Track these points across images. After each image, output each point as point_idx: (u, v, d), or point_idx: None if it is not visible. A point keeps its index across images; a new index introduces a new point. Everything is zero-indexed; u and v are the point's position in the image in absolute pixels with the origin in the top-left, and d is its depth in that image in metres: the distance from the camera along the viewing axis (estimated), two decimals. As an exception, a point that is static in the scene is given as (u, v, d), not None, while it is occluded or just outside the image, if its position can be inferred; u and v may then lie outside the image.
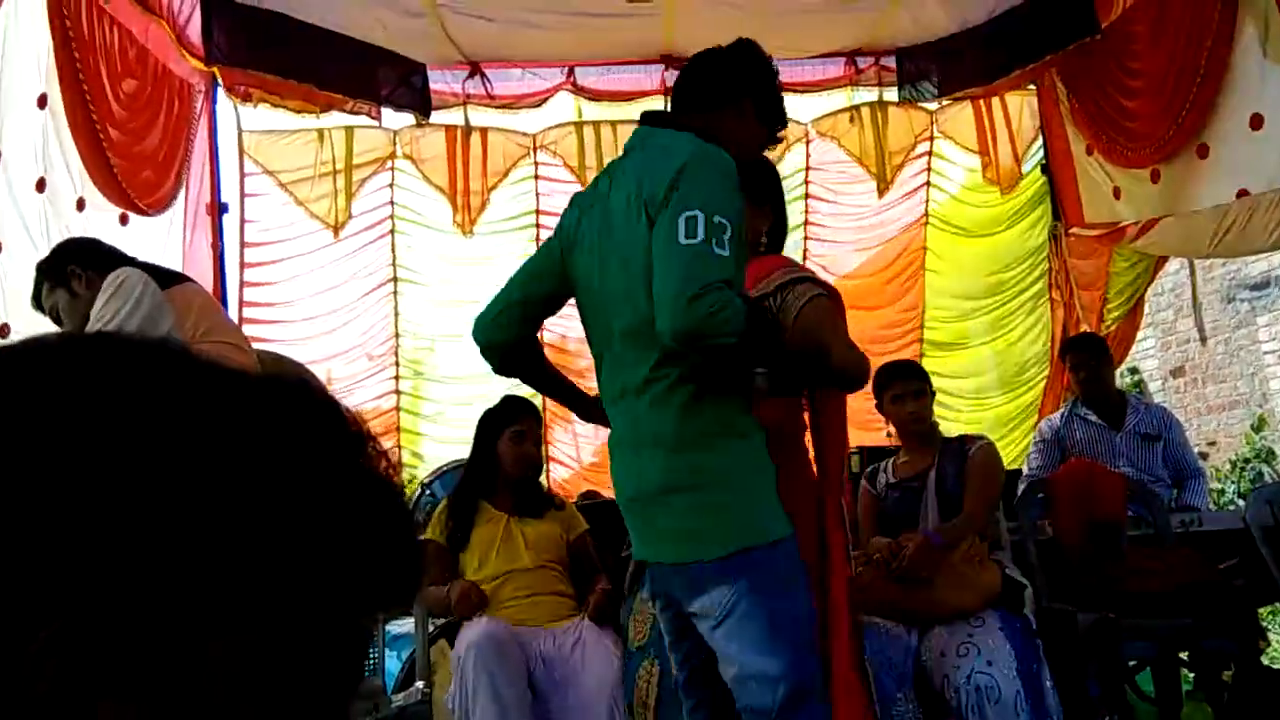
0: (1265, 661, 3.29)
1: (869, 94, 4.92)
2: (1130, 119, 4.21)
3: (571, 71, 4.68)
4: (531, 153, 4.70)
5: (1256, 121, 3.57)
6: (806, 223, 4.97)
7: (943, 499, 2.93)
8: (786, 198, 4.81)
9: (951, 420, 4.46)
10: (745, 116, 1.94)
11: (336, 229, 4.33)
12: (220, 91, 4.05)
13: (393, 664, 2.93)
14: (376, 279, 4.46)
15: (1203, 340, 5.33)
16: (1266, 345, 6.82)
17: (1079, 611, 2.93)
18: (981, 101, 4.91)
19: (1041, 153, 4.97)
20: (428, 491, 3.38)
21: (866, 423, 3.78)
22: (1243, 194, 3.65)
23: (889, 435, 3.42)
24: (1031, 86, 4.89)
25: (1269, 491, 3.31)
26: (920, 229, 5.04)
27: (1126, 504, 3.24)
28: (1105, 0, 4.28)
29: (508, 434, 2.99)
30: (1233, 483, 6.88)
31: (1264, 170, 3.56)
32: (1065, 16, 4.37)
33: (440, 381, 4.53)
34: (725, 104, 1.93)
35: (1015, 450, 4.94)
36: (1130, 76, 4.18)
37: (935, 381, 4.95)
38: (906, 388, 3.04)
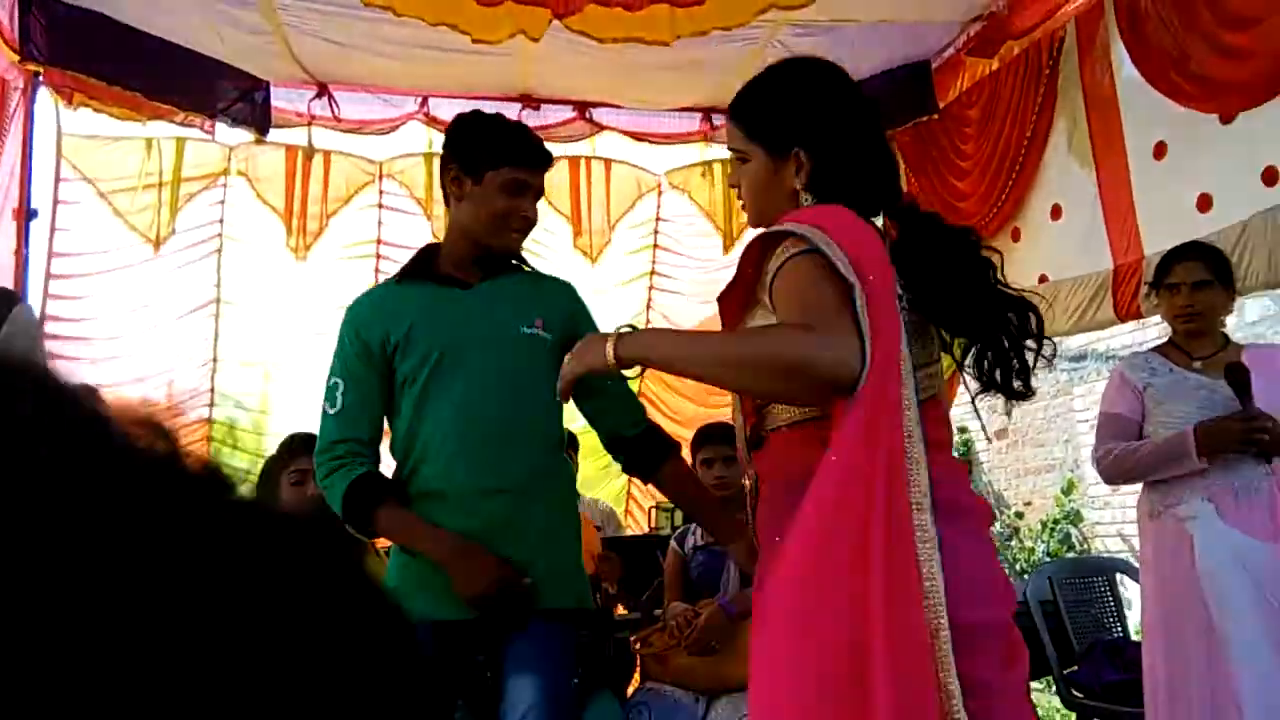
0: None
1: (722, 151, 5.01)
2: (959, 199, 4.42)
3: (425, 101, 4.61)
4: (377, 180, 4.59)
5: (1057, 212, 3.82)
6: (653, 272, 5.02)
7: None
8: (636, 246, 4.99)
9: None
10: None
11: (157, 243, 4.12)
12: (42, 90, 3.81)
13: None
14: (197, 299, 4.26)
15: (1008, 413, 5.60)
16: (1080, 414, 7.27)
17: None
18: (828, 167, 5.07)
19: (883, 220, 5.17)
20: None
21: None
22: (1043, 279, 3.88)
23: (703, 495, 3.46)
24: (875, 157, 5.09)
25: (1050, 568, 3.50)
26: (764, 285, 5.15)
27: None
28: (944, 83, 4.51)
29: (284, 478, 2.65)
30: (1043, 542, 7.29)
31: (1061, 259, 3.80)
32: (907, 95, 4.56)
33: (264, 413, 4.35)
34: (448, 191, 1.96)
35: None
36: (960, 158, 4.39)
37: (768, 435, 5.12)
38: (716, 453, 3.08)
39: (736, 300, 1.50)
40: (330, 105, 4.42)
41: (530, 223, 1.94)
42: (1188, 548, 2.49)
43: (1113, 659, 3.18)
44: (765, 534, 1.45)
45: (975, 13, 4.13)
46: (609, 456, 5.14)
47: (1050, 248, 3.85)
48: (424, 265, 1.97)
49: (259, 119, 4.26)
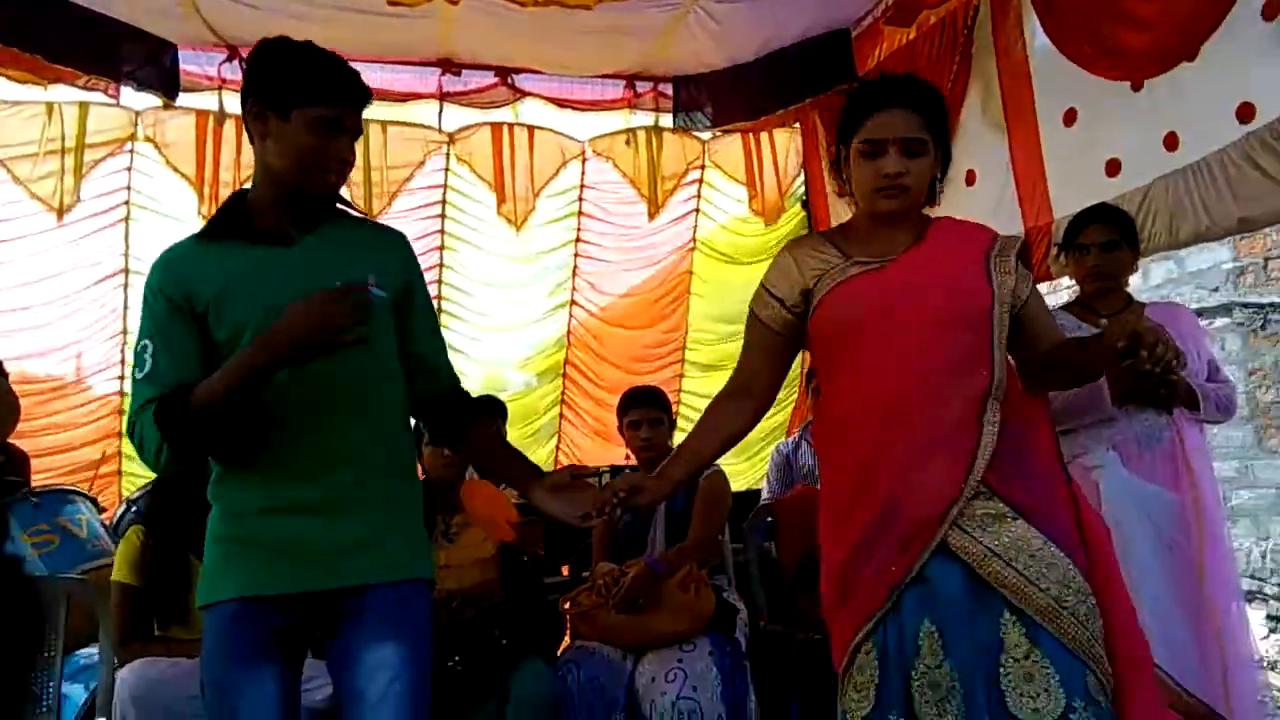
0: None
1: (646, 118, 5.01)
2: (878, 165, 4.49)
3: (341, 65, 4.50)
4: (292, 146, 4.47)
5: (971, 178, 3.92)
6: (578, 239, 5.01)
7: (671, 524, 3.01)
8: (560, 214, 4.97)
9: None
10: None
11: (61, 212, 3.96)
12: (-68, 52, 3.62)
13: (80, 694, 2.69)
14: (104, 269, 4.10)
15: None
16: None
17: (793, 633, 3.08)
18: (750, 135, 5.11)
19: (803, 188, 5.24)
20: (132, 509, 3.10)
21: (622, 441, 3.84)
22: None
23: (627, 457, 3.49)
24: (796, 125, 5.15)
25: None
26: (688, 253, 5.18)
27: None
28: (863, 50, 4.57)
29: None
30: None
31: (975, 221, 3.88)
32: (827, 62, 4.61)
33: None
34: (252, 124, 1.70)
35: (761, 470, 5.18)
36: (879, 125, 4.46)
37: (694, 401, 5.18)
38: (643, 415, 3.11)
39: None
40: (241, 68, 4.26)
41: (348, 165, 1.71)
42: (1094, 496, 2.59)
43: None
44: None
45: (893, -18, 4.19)
46: (536, 422, 5.12)
47: (965, 212, 3.90)
48: (234, 218, 1.70)
49: (166, 83, 4.11)
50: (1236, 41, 2.60)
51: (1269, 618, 5.15)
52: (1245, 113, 2.58)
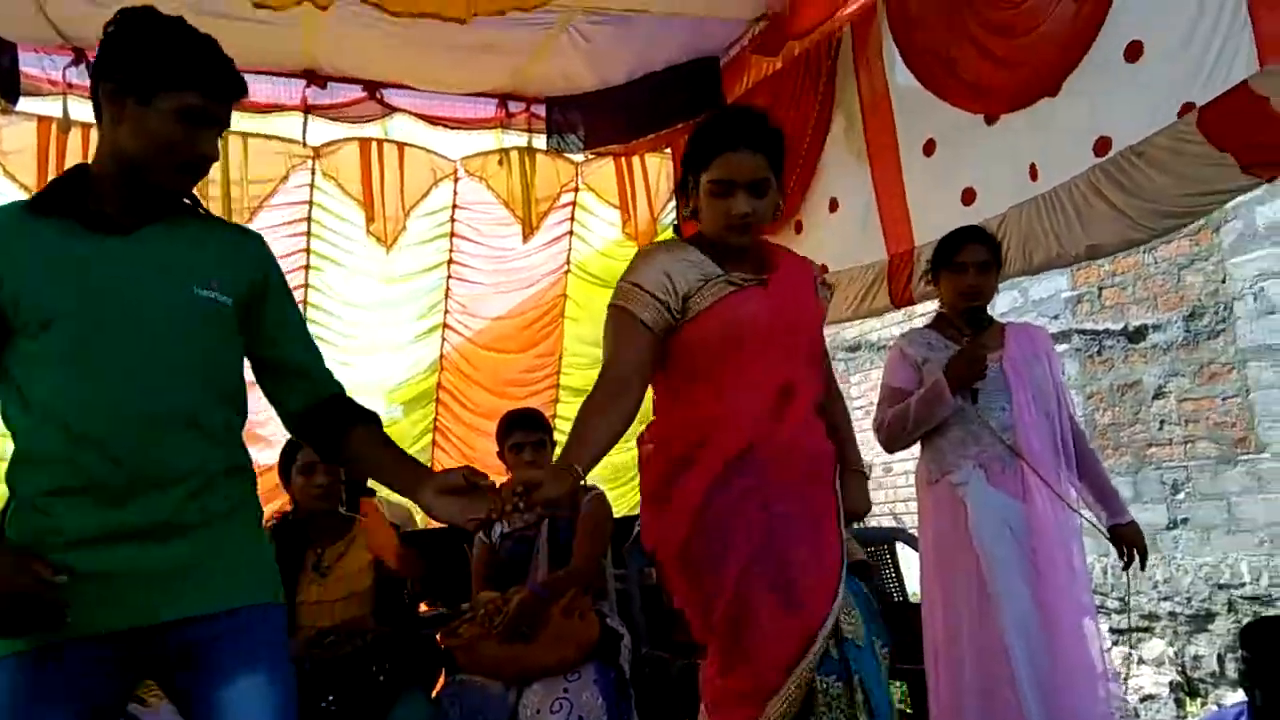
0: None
1: (519, 138, 4.97)
2: (747, 191, 4.59)
3: (198, 74, 4.30)
4: (142, 155, 4.22)
5: (834, 205, 4.06)
6: (451, 261, 4.91)
7: (554, 550, 2.97)
8: (432, 234, 4.85)
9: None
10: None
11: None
12: None
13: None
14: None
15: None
16: (857, 401, 7.77)
17: (673, 659, 3.08)
18: (623, 159, 5.14)
19: (674, 213, 5.30)
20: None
21: (499, 468, 3.76)
22: (824, 269, 4.11)
23: (508, 483, 3.42)
24: (668, 150, 5.22)
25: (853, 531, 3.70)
26: (562, 276, 5.16)
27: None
28: (732, 78, 4.68)
29: (294, 470, 2.79)
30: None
31: (838, 249, 4.03)
32: (696, 88, 4.70)
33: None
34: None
35: (638, 496, 5.18)
36: (748, 152, 4.57)
37: (569, 427, 5.14)
38: (526, 437, 3.06)
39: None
40: (87, 72, 4.01)
41: (209, 161, 1.56)
42: (961, 510, 2.69)
43: (894, 621, 3.40)
44: None
45: (759, 12, 4.31)
46: (407, 450, 4.99)
47: (829, 239, 4.07)
48: (69, 194, 1.52)
49: (5, 86, 3.82)
50: (1095, 77, 2.78)
51: (1112, 630, 5.49)
52: (1102, 147, 2.76)
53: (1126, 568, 2.81)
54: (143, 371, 1.47)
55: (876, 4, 3.74)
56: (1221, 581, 5.48)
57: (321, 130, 4.55)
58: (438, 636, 2.91)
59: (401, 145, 4.71)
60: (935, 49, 3.35)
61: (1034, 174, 3.00)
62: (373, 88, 4.57)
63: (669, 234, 5.28)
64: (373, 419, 1.74)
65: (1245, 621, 5.07)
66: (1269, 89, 2.29)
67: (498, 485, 1.59)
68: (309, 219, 4.57)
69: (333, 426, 1.70)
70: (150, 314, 1.50)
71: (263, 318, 1.66)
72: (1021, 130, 3.02)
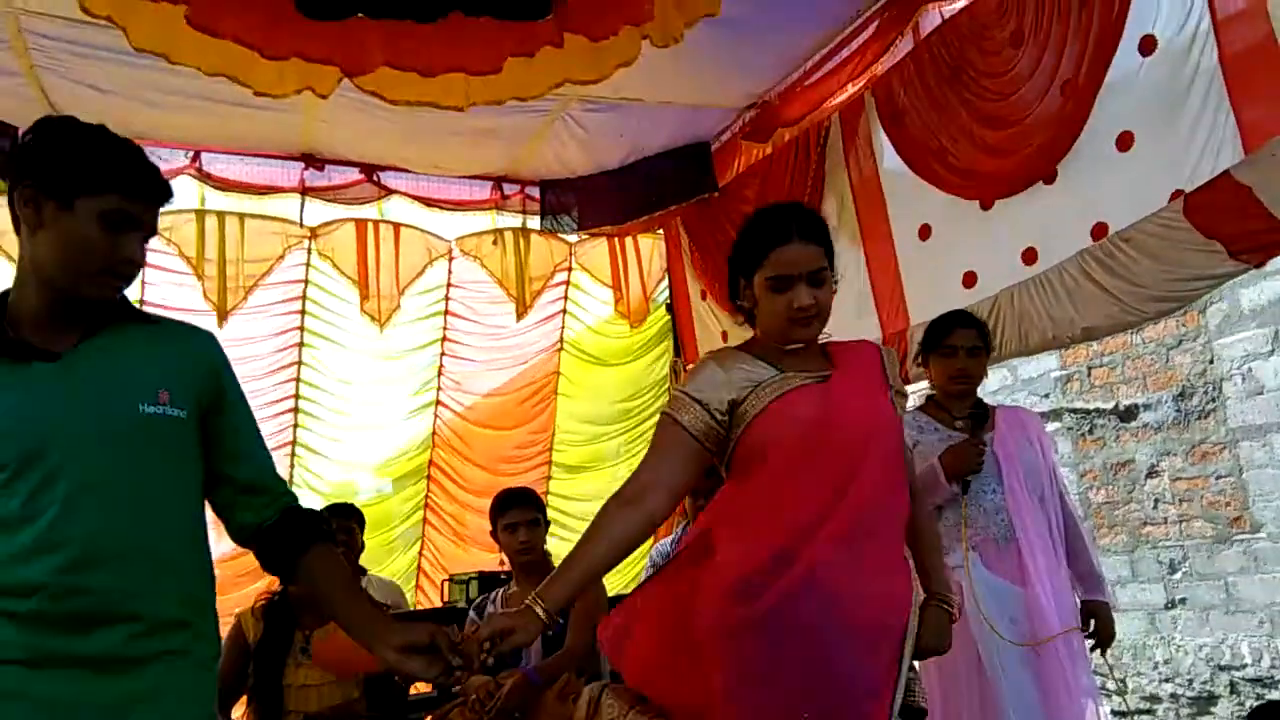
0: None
1: (513, 219, 5.05)
2: (739, 272, 4.65)
3: (198, 155, 4.37)
4: (143, 237, 4.25)
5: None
6: (444, 339, 4.94)
7: (546, 634, 2.91)
8: (426, 312, 4.89)
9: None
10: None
11: None
12: None
13: None
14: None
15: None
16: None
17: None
18: (616, 239, 5.22)
19: (667, 292, 5.36)
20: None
21: (490, 546, 3.72)
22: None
23: (502, 562, 3.39)
24: (660, 231, 5.30)
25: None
26: (555, 354, 5.19)
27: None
28: (723, 162, 4.78)
29: (499, 528, 2.88)
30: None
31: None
32: (689, 172, 4.80)
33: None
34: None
35: (635, 571, 5.12)
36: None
37: (562, 504, 5.11)
38: (521, 516, 3.04)
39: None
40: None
41: (135, 266, 1.46)
42: (957, 593, 2.66)
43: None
44: None
45: (749, 101, 4.43)
46: (396, 528, 4.94)
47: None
48: None
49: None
50: (1089, 165, 2.86)
51: (1114, 713, 5.39)
52: (1099, 231, 2.82)
53: (1093, 649, 2.78)
54: (92, 510, 1.36)
55: (865, 96, 3.84)
56: (1223, 663, 5.40)
57: (319, 211, 4.62)
58: (427, 721, 2.85)
59: (397, 225, 4.78)
60: (925, 139, 3.44)
61: (1031, 258, 3.06)
62: (370, 170, 4.65)
63: (661, 313, 5.33)
64: (328, 537, 1.66)
65: (1249, 704, 4.99)
66: (1250, 178, 2.35)
67: (465, 635, 1.55)
68: (304, 297, 4.61)
69: (289, 545, 1.60)
70: (91, 445, 1.38)
71: (220, 431, 1.56)
72: (1018, 216, 3.08)
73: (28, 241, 1.43)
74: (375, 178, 4.67)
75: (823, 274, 1.80)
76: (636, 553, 4.84)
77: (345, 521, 3.62)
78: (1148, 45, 2.73)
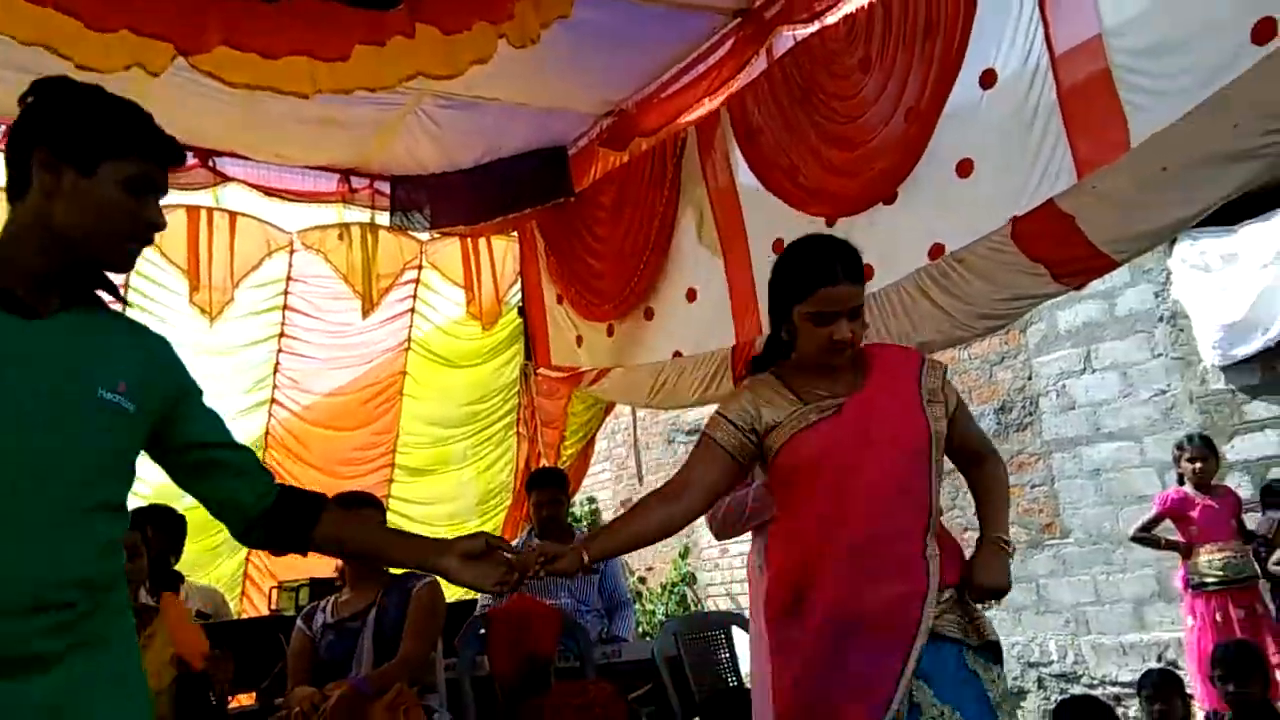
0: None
1: (362, 214, 4.87)
2: (595, 277, 4.65)
3: (9, 132, 4.02)
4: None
5: (692, 295, 4.16)
6: (282, 335, 4.72)
7: (380, 641, 2.82)
8: (262, 307, 4.66)
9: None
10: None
11: None
12: None
13: None
14: None
15: (639, 478, 5.97)
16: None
17: (507, 752, 2.96)
18: (469, 239, 5.12)
19: (520, 295, 5.30)
20: None
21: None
22: (677, 355, 4.19)
23: (338, 569, 3.26)
24: (514, 233, 5.23)
25: (675, 624, 3.69)
26: (402, 353, 5.05)
27: (559, 638, 3.39)
28: (580, 168, 4.76)
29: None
30: (663, 604, 7.74)
31: (693, 336, 4.13)
32: (545, 176, 4.76)
33: None
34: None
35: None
36: (596, 240, 4.64)
37: (405, 508, 4.98)
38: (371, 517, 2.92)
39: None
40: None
41: (157, 229, 1.47)
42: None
43: (731, 707, 3.39)
44: None
45: (607, 108, 4.44)
46: (220, 534, 4.69)
47: (686, 327, 4.18)
48: None
49: None
50: (930, 189, 3.00)
51: None
52: (935, 252, 2.95)
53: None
54: (45, 474, 1.31)
55: (721, 111, 3.91)
56: (1032, 660, 5.77)
57: (147, 195, 4.33)
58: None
59: (233, 214, 4.53)
60: (776, 157, 3.52)
61: (869, 274, 3.17)
62: (205, 155, 4.39)
63: (513, 316, 5.27)
64: (332, 503, 1.66)
65: (1054, 699, 5.35)
66: (1073, 207, 2.51)
67: (517, 553, 1.69)
68: (126, 285, 4.30)
69: (302, 516, 1.59)
70: (46, 411, 1.33)
71: (186, 421, 1.52)
72: (861, 234, 3.20)
73: (38, 202, 1.38)
74: (211, 163, 4.41)
75: (861, 308, 1.94)
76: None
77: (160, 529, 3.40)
78: (989, 78, 2.89)
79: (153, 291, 4.37)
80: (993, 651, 1.91)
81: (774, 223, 3.64)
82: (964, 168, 2.90)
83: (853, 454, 1.87)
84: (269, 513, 1.57)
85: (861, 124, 3.11)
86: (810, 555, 1.89)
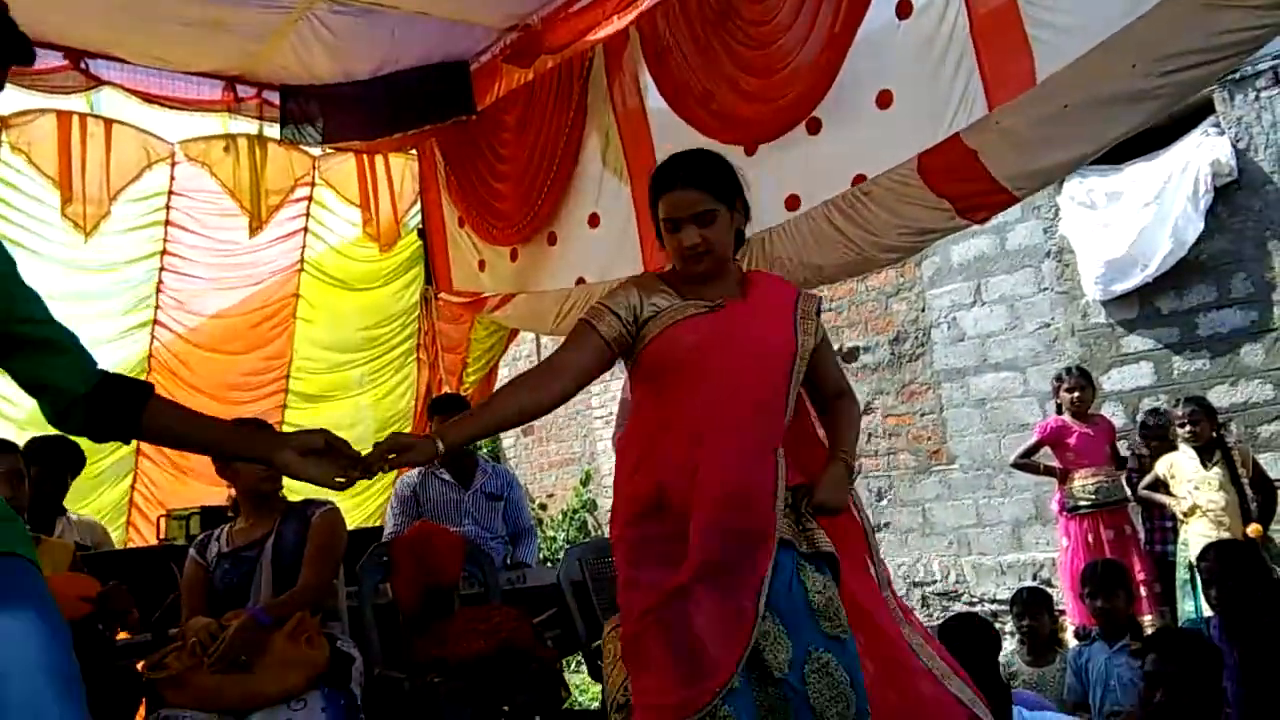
0: (567, 708, 3.64)
1: (249, 125, 4.61)
2: (497, 199, 4.53)
3: None
4: None
5: (594, 220, 4.08)
6: (164, 252, 4.46)
7: (279, 570, 2.74)
8: (142, 221, 4.39)
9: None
10: None
11: None
12: None
13: None
14: None
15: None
16: (597, 411, 7.91)
17: (407, 679, 2.94)
18: (365, 156, 4.91)
19: (420, 216, 5.13)
20: None
21: (214, 479, 3.44)
22: (580, 282, 4.13)
23: (228, 498, 3.15)
24: (414, 151, 5.04)
25: (579, 550, 3.71)
26: (294, 275, 4.85)
27: (463, 565, 3.38)
28: (483, 84, 4.59)
29: None
30: (564, 531, 7.80)
31: (597, 263, 4.07)
32: (446, 92, 4.57)
33: None
34: None
35: (375, 506, 4.96)
36: (499, 161, 4.51)
37: (298, 433, 4.82)
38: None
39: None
40: None
41: None
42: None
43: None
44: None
45: (511, 22, 4.26)
46: (102, 460, 4.48)
47: (589, 253, 4.10)
48: None
49: None
50: (851, 121, 3.00)
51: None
52: (858, 182, 2.96)
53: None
54: None
55: (630, 30, 3.80)
56: (917, 579, 6.06)
57: (13, 98, 3.98)
58: (140, 667, 2.61)
59: (109, 121, 4.23)
60: (688, 80, 3.45)
61: (794, 204, 3.17)
62: (76, 56, 4.06)
63: (413, 238, 5.11)
64: (151, 390, 1.56)
65: (937, 616, 5.64)
66: (977, 143, 2.54)
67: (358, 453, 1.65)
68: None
69: (127, 402, 1.51)
70: None
71: (2, 297, 1.43)
72: (782, 162, 3.18)
73: None
74: (83, 65, 4.09)
75: (710, 215, 1.96)
76: (380, 484, 4.72)
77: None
78: (905, 9, 2.88)
79: (20, 202, 4.06)
80: (826, 562, 1.96)
81: (686, 147, 3.58)
82: (884, 98, 2.92)
83: (725, 351, 1.96)
84: (90, 396, 1.49)
85: (776, 49, 3.07)
86: (676, 447, 1.93)
